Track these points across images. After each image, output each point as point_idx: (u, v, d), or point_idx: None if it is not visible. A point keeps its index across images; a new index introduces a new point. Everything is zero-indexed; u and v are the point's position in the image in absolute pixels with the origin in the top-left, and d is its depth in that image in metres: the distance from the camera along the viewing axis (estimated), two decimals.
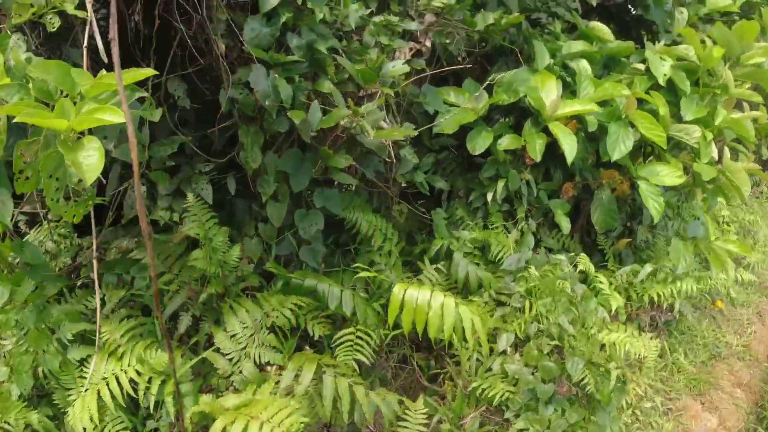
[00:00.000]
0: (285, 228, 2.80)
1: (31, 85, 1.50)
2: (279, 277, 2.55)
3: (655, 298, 3.40)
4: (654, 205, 3.12)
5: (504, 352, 2.69)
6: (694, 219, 3.95)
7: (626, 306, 3.55)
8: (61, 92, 1.52)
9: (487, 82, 3.19)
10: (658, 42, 3.52)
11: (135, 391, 2.26)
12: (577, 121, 3.16)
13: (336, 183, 3.04)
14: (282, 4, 2.25)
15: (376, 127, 2.30)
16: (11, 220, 2.39)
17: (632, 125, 3.07)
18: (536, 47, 3.08)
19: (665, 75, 3.19)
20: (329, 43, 2.38)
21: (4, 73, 1.49)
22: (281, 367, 2.35)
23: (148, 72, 1.54)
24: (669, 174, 3.12)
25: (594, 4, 3.61)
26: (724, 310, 4.32)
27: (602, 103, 3.08)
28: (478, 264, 3.03)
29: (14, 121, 1.36)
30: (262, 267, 2.84)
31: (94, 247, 2.32)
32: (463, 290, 2.99)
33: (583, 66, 3.09)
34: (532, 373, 2.58)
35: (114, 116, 1.36)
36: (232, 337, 2.37)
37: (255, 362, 2.35)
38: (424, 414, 2.42)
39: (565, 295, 2.68)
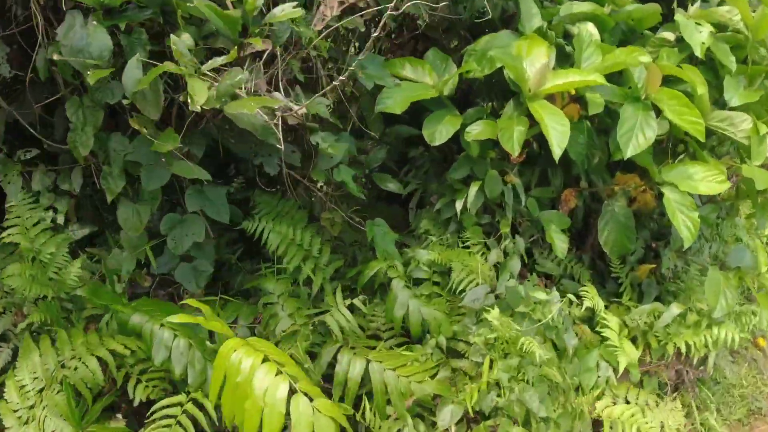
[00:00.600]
0: None
1: None
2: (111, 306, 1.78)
3: (683, 349, 2.50)
4: (685, 223, 2.24)
5: None
6: (737, 242, 3.04)
7: (644, 353, 2.67)
8: None
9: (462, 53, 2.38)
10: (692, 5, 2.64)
11: None
12: (581, 104, 2.32)
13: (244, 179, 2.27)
14: None
15: (231, 95, 1.52)
16: None
17: (656, 109, 2.20)
18: (522, 4, 2.25)
19: (703, 44, 2.32)
20: None
21: None
22: None
23: None
24: (706, 178, 2.24)
25: None
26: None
27: (613, 80, 2.23)
28: (428, 298, 2.19)
29: None
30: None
31: None
32: (406, 334, 2.17)
33: (588, 29, 2.24)
34: None
35: None
36: (21, 388, 1.64)
37: None
38: None
39: (533, 356, 1.82)
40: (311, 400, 1.46)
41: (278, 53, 1.75)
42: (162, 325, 1.73)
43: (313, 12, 1.98)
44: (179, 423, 1.67)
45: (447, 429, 1.81)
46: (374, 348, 1.96)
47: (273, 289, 2.05)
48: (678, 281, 2.93)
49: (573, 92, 2.25)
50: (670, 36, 2.51)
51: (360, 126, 2.37)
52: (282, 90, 1.79)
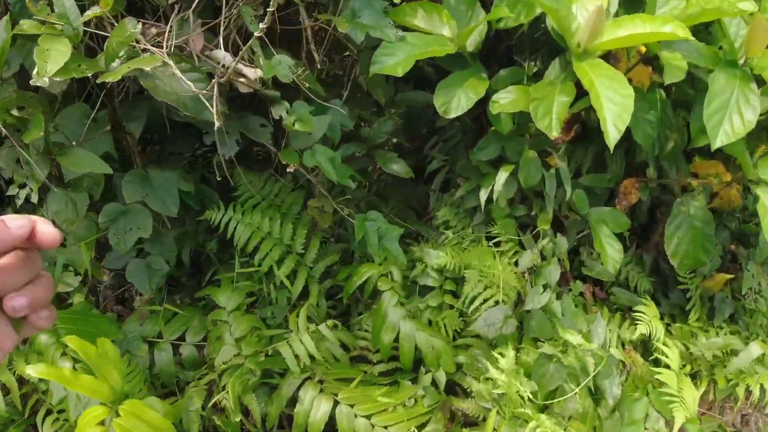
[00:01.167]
0: None
1: None
2: None
3: (757, 392, 1.93)
4: None
5: None
6: None
7: (709, 387, 2.11)
8: None
9: None
10: None
11: None
12: (654, 68, 1.73)
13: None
14: None
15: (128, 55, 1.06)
16: None
17: (758, 80, 1.59)
18: None
19: None
20: None
21: None
22: None
23: None
24: None
25: None
26: None
27: (700, 35, 1.62)
28: (438, 311, 1.71)
29: None
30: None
31: None
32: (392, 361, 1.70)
33: None
34: None
35: None
36: None
37: None
38: None
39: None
40: None
41: None
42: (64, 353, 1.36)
43: None
44: None
45: None
46: (351, 380, 1.52)
47: (225, 301, 1.63)
48: (761, 298, 2.32)
49: (643, 50, 1.67)
50: None
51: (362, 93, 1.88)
52: (233, 47, 1.33)
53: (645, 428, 1.65)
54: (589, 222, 2.00)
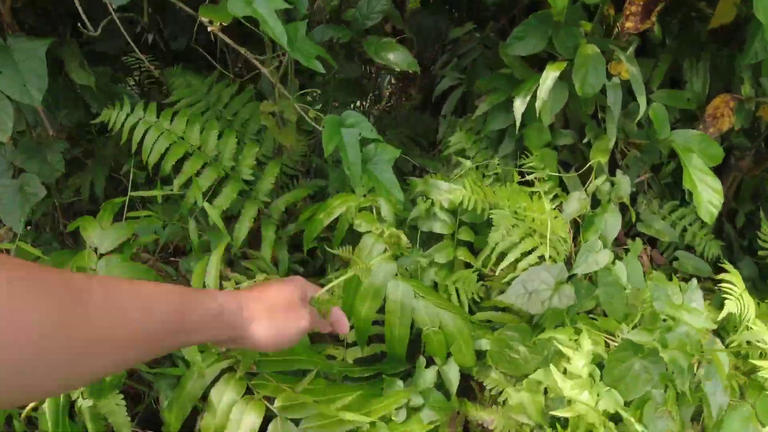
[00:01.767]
0: None
1: None
2: None
3: None
4: None
5: None
6: None
7: None
8: None
9: None
10: None
11: None
12: None
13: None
14: None
15: None
16: None
17: None
18: None
19: None
20: None
21: None
22: None
23: None
24: None
25: None
26: None
27: None
28: (448, 270, 1.13)
29: None
30: None
31: None
32: (375, 344, 1.12)
33: None
34: None
35: None
36: None
37: None
38: None
39: None
40: None
41: None
42: None
43: None
44: None
45: None
46: (303, 375, 0.93)
47: (99, 240, 1.02)
48: None
49: None
50: None
51: None
52: None
53: None
54: (663, 150, 1.41)
